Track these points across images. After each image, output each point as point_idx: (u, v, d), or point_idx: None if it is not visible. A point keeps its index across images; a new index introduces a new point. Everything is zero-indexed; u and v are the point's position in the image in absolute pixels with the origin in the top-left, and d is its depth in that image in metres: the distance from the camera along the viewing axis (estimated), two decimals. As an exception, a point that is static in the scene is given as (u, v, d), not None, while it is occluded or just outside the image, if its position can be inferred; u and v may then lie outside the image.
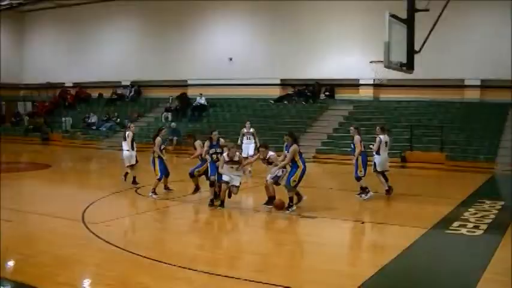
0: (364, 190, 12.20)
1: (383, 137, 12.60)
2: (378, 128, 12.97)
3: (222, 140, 11.51)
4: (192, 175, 11.75)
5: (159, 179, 12.14)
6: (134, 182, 13.63)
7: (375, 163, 12.54)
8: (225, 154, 10.75)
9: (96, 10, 33.51)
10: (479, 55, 22.58)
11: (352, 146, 12.46)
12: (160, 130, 12.71)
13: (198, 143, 11.86)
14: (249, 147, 16.27)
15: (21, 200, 12.33)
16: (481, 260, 7.28)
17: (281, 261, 7.47)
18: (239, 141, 16.29)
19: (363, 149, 12.26)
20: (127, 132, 14.19)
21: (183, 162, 13.86)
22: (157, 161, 12.13)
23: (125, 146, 14.01)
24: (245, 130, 16.66)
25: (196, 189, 12.01)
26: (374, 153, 12.56)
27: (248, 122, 17.07)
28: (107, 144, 26.75)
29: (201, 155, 11.58)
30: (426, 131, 21.71)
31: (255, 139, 16.44)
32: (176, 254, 7.57)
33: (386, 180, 12.61)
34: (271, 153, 10.83)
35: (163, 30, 31.15)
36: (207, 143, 11.36)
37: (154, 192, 11.94)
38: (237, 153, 11.02)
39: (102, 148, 26.66)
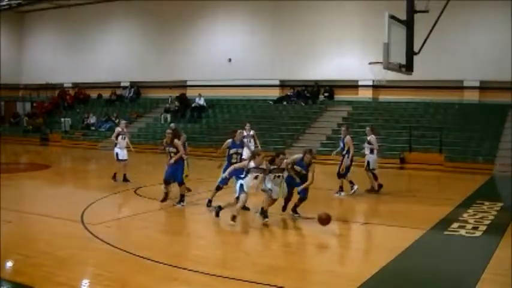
0: (341, 189, 12.84)
1: (374, 137, 13.36)
2: (368, 128, 13.60)
3: (245, 141, 11.14)
4: (182, 182, 11.03)
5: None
6: (114, 177, 14.02)
7: (368, 161, 13.19)
8: (252, 162, 9.49)
9: (96, 11, 33.53)
10: (478, 56, 22.60)
11: (342, 145, 12.96)
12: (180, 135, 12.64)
13: (178, 141, 11.11)
14: (250, 149, 15.69)
15: (21, 200, 12.32)
16: (480, 261, 7.29)
17: (281, 262, 7.47)
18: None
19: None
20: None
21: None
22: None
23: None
24: (245, 132, 16.08)
25: (182, 199, 11.07)
26: (368, 152, 13.23)
27: (248, 124, 16.19)
28: (106, 144, 26.72)
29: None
30: (425, 132, 21.72)
31: (255, 142, 15.91)
32: (176, 255, 7.57)
33: (376, 178, 13.24)
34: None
35: (162, 31, 31.17)
36: (227, 142, 11.01)
37: (187, 189, 12.07)
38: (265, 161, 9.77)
39: (101, 149, 26.64)
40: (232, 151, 10.90)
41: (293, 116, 25.98)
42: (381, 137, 21.42)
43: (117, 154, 14.15)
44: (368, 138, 13.32)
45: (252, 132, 15.85)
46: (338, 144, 13.51)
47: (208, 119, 27.69)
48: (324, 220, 8.90)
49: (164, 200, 11.14)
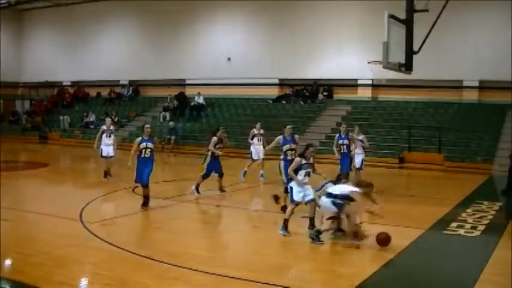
0: None
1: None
2: (357, 128, 14.00)
3: (296, 136, 10.87)
4: (147, 185, 10.64)
5: (203, 177, 12.13)
6: (105, 175, 14.45)
7: (363, 160, 13.62)
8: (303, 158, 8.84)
9: (95, 9, 33.46)
10: (477, 56, 22.60)
11: (347, 142, 13.21)
12: (217, 130, 12.60)
13: (156, 139, 11.33)
14: (260, 149, 15.32)
15: (19, 199, 12.31)
16: (478, 261, 7.31)
17: (280, 261, 7.48)
18: (250, 141, 15.65)
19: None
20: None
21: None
22: (208, 159, 12.10)
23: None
24: (255, 131, 15.96)
25: (145, 201, 10.78)
26: (361, 151, 13.57)
27: (259, 123, 16.10)
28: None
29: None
30: (424, 131, 21.72)
31: (263, 141, 15.50)
32: (175, 254, 7.56)
33: None
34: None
35: (161, 30, 31.13)
36: (278, 138, 10.79)
37: (197, 189, 12.12)
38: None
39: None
40: (285, 148, 10.58)
41: (292, 115, 25.94)
42: (380, 137, 21.57)
43: (101, 150, 14.58)
44: (359, 137, 13.64)
45: (262, 132, 15.82)
46: (342, 142, 13.27)
47: (207, 118, 27.68)
48: (384, 240, 8.08)
49: (146, 203, 10.64)
